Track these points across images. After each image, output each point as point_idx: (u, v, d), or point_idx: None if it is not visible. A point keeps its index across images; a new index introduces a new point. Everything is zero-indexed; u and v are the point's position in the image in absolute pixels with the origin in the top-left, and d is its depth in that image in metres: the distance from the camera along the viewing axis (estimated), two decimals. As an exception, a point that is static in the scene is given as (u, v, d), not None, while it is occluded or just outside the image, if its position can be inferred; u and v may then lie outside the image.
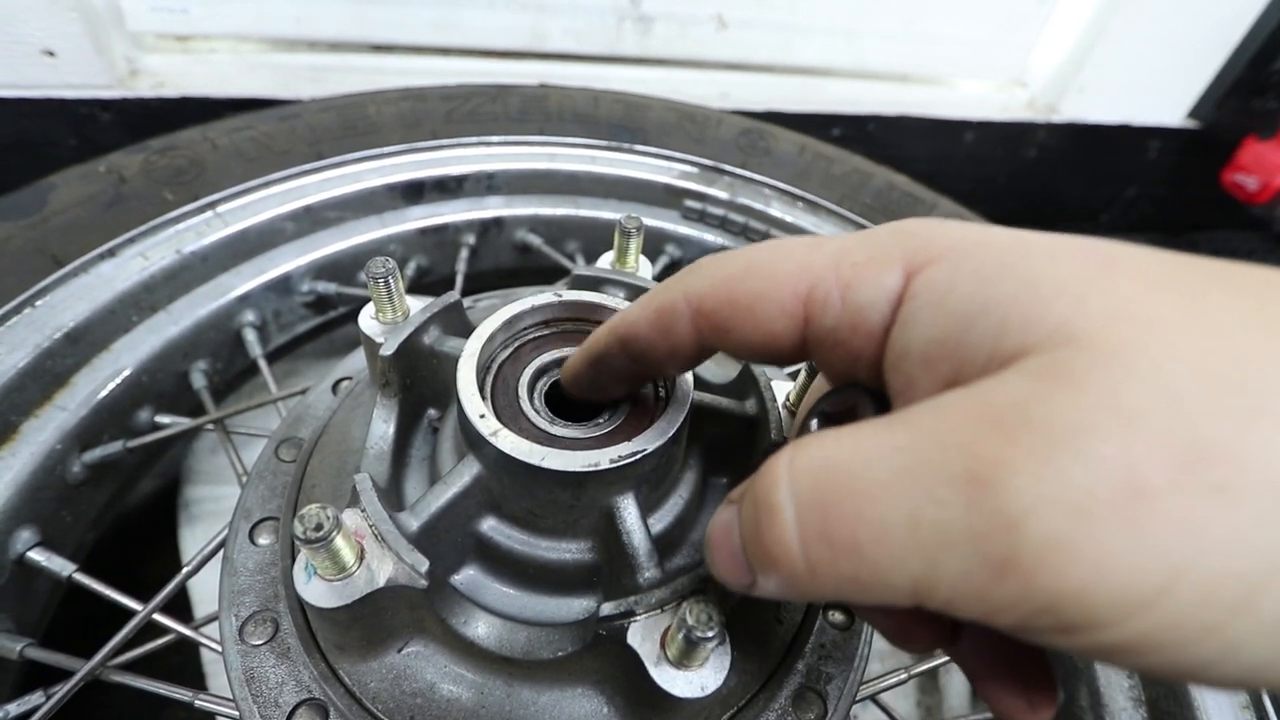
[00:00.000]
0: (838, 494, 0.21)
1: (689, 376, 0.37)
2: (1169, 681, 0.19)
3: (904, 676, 0.54)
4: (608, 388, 0.35)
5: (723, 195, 0.90)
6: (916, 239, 0.26)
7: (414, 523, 0.34)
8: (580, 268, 0.47)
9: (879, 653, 0.83)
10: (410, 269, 0.86)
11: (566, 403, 0.37)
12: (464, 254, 0.87)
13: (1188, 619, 0.17)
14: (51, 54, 0.99)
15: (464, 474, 0.36)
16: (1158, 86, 1.64)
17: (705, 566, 0.33)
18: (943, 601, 0.20)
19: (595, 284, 0.45)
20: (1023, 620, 0.19)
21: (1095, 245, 0.23)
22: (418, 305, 0.43)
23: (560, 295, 0.40)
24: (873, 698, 0.55)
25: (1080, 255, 0.22)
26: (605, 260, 0.51)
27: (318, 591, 0.32)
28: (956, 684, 0.78)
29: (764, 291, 0.28)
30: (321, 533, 0.29)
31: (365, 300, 0.43)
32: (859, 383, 0.28)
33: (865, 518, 0.20)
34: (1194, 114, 1.71)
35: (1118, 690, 0.59)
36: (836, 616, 0.42)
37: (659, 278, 0.85)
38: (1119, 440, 0.18)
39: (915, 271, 0.25)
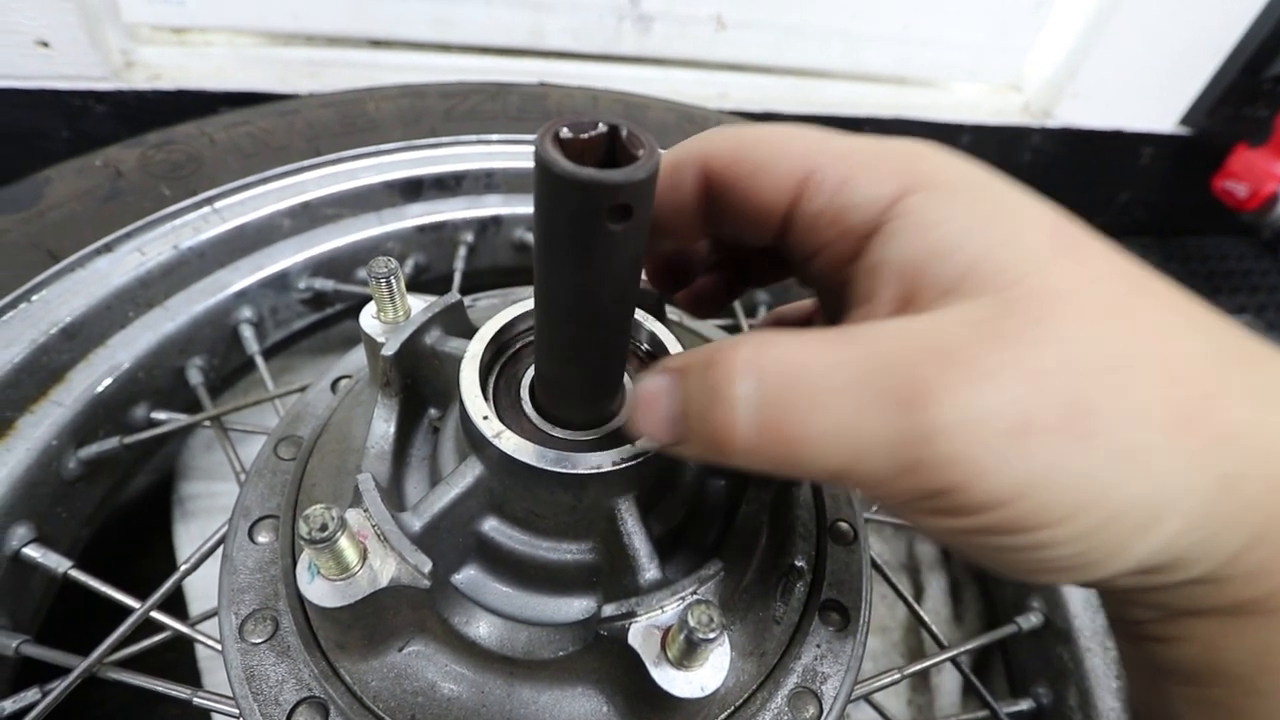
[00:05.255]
0: (792, 398, 0.25)
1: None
2: (1000, 569, 0.28)
3: (897, 676, 0.55)
4: None
5: (721, 196, 0.90)
6: (923, 162, 0.29)
7: (416, 523, 0.34)
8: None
9: (872, 653, 0.84)
10: (408, 267, 0.86)
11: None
12: (462, 252, 0.87)
13: (1028, 519, 0.24)
14: (45, 44, 0.98)
15: (466, 475, 0.36)
16: (1151, 93, 1.65)
17: (707, 568, 0.33)
18: (852, 484, 0.26)
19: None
20: (906, 504, 0.25)
21: (1066, 229, 0.27)
22: (419, 305, 0.43)
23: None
24: (866, 697, 0.55)
25: (1052, 233, 0.27)
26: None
27: (321, 591, 0.32)
28: (947, 684, 0.79)
29: (768, 160, 0.30)
30: (326, 533, 0.30)
31: (363, 298, 0.43)
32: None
33: (811, 421, 0.24)
34: (1186, 121, 1.72)
35: (1106, 691, 0.60)
36: (833, 617, 0.42)
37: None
38: (1024, 390, 0.23)
39: (910, 191, 0.28)
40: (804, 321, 0.44)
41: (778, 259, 0.36)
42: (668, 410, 0.29)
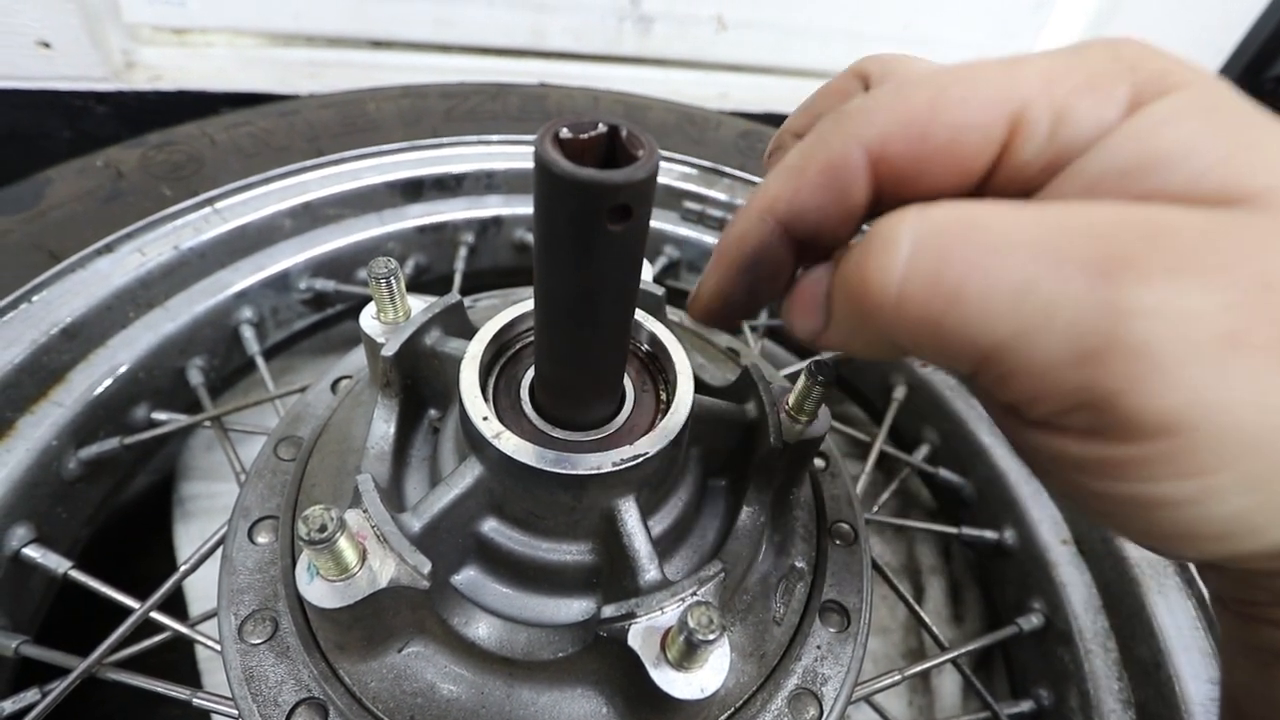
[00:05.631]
0: (962, 240, 0.21)
1: (690, 380, 0.37)
2: (1133, 528, 0.23)
3: (898, 677, 0.55)
4: (761, 298, 0.29)
5: (722, 197, 0.90)
6: (1147, 64, 0.24)
7: (416, 524, 0.34)
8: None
9: (872, 654, 0.83)
10: (409, 267, 0.86)
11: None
12: (463, 252, 0.87)
13: (1196, 458, 0.20)
14: (47, 45, 0.98)
15: (466, 475, 0.36)
16: (1152, 93, 1.65)
17: (707, 569, 0.33)
18: (1005, 370, 0.21)
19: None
20: (1060, 409, 0.21)
21: None
22: (419, 305, 0.43)
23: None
24: (867, 699, 0.55)
25: None
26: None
27: (320, 592, 0.32)
28: (948, 685, 0.79)
29: (965, 124, 0.24)
30: (325, 534, 0.30)
31: (363, 298, 0.43)
32: None
33: (980, 268, 0.20)
34: (1187, 121, 1.72)
35: (1107, 692, 0.60)
36: (834, 618, 0.42)
37: (659, 279, 0.86)
38: (1244, 297, 0.19)
39: (1144, 102, 0.23)
40: None
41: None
42: (822, 290, 0.25)
